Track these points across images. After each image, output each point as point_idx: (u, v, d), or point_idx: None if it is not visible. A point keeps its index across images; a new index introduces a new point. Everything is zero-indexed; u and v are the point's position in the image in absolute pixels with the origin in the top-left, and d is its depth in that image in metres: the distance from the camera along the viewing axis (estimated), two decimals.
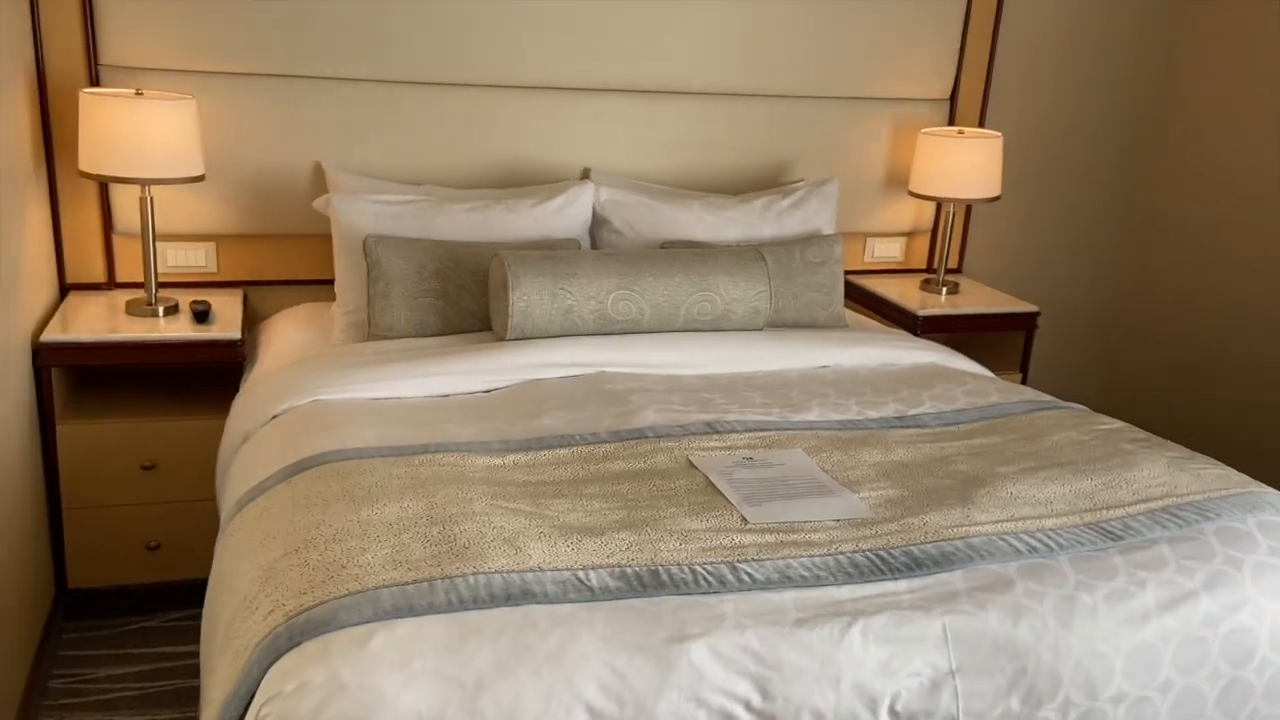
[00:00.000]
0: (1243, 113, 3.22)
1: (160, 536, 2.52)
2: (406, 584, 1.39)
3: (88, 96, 2.39)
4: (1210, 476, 1.89)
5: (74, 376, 2.63)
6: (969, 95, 3.25)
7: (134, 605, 2.57)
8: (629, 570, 1.49)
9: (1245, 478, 1.90)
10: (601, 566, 1.49)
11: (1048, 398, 2.35)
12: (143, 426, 2.47)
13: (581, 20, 2.83)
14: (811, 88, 3.08)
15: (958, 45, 3.17)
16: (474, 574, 1.42)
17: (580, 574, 1.47)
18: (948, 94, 3.22)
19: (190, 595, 2.49)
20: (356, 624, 1.31)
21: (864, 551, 1.61)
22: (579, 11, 2.82)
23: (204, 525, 2.37)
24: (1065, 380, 3.47)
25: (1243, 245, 3.22)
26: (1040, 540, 1.67)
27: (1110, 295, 3.63)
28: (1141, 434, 2.12)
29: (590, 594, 1.43)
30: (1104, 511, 1.77)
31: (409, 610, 1.34)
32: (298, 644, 1.30)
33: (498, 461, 1.84)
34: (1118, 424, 2.17)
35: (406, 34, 2.71)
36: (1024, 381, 3.10)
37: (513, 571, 1.45)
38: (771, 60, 3.01)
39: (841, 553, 1.61)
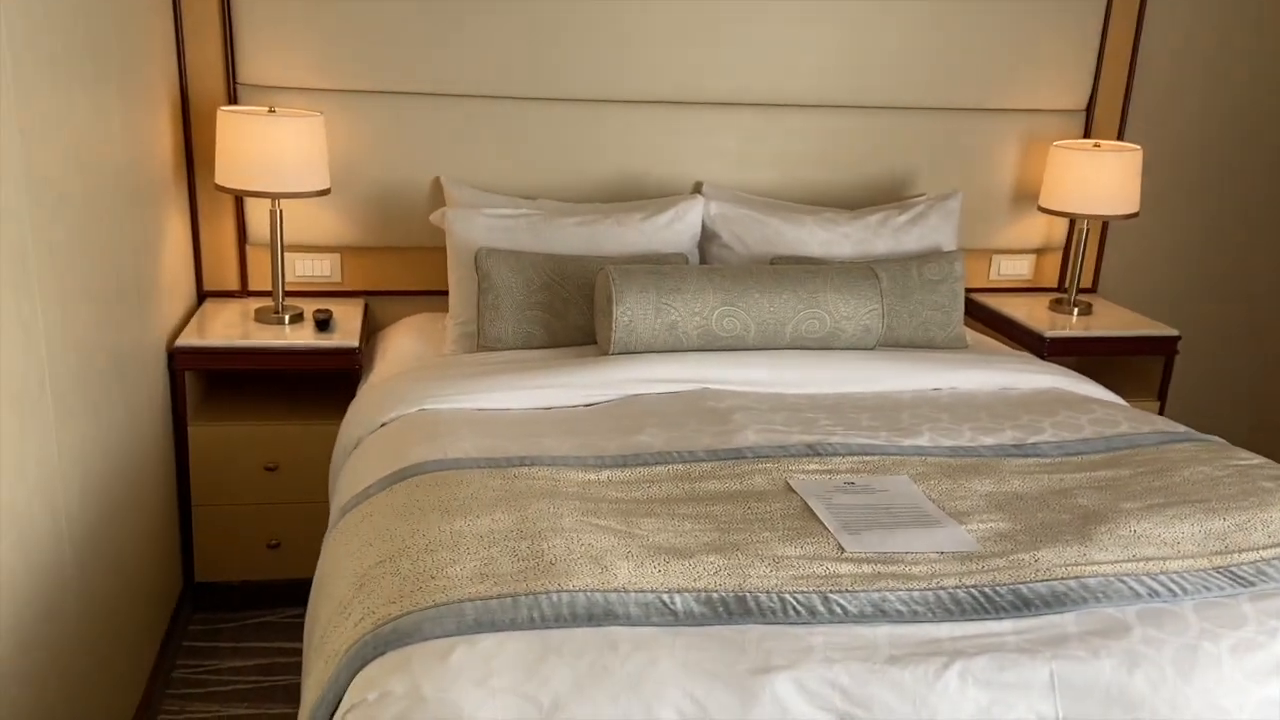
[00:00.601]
0: None
1: (281, 535, 2.63)
2: (490, 598, 1.40)
3: (225, 114, 2.52)
4: None
5: (206, 380, 2.77)
6: (1107, 105, 3.08)
7: (256, 600, 2.68)
8: (715, 595, 1.46)
9: None
10: (687, 590, 1.47)
11: (1183, 429, 2.20)
12: (267, 429, 2.58)
13: (693, 34, 2.82)
14: (934, 99, 2.98)
15: (1095, 52, 3.01)
16: (558, 591, 1.42)
17: (665, 597, 1.44)
18: (1084, 104, 3.06)
19: (307, 593, 2.57)
20: (439, 636, 1.33)
21: (967, 588, 1.54)
22: (690, 25, 2.81)
23: (321, 526, 2.43)
24: (1206, 411, 3.24)
25: None
26: (1163, 583, 1.55)
27: (1259, 320, 3.38)
28: None
29: (674, 618, 1.40)
30: (1235, 555, 1.63)
31: (491, 625, 1.35)
32: (382, 653, 1.32)
33: (592, 477, 1.84)
34: (1258, 459, 2.01)
35: (522, 50, 2.76)
36: (1161, 411, 2.91)
37: (597, 591, 1.44)
38: (889, 71, 2.93)
39: (943, 588, 1.54)
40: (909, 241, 2.81)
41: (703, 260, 2.80)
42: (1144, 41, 3.05)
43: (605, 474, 1.87)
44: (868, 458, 2.00)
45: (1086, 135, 3.08)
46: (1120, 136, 3.10)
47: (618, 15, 2.78)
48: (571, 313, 2.51)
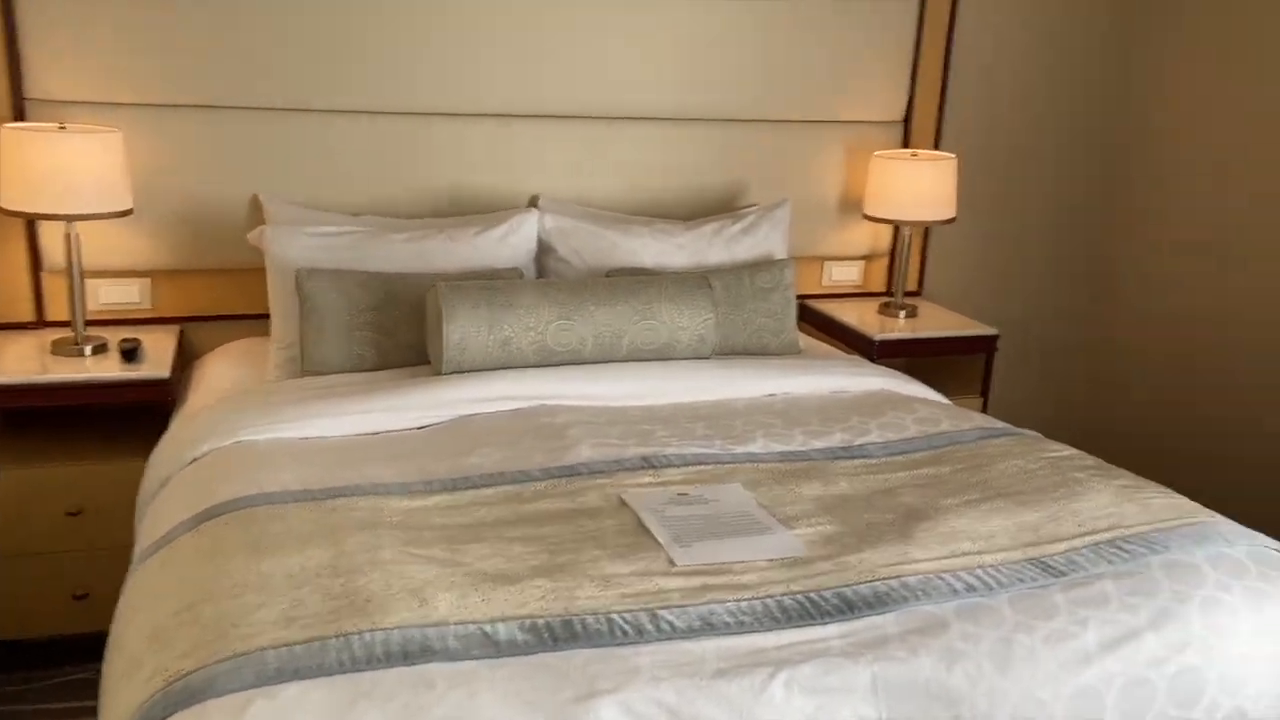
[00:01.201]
0: (1205, 132, 3.18)
1: (88, 585, 2.43)
2: (296, 644, 1.31)
3: (9, 132, 2.32)
4: (1159, 506, 1.82)
5: (1, 420, 2.54)
6: (923, 117, 3.21)
7: (64, 656, 2.47)
8: (540, 622, 1.41)
9: (1196, 506, 1.84)
10: (511, 618, 1.41)
11: (1000, 424, 2.29)
12: (69, 471, 2.39)
13: (526, 46, 2.79)
14: (763, 111, 3.04)
15: (909, 67, 3.14)
16: (371, 630, 1.34)
17: (487, 627, 1.39)
18: (901, 116, 3.18)
19: None
20: (236, 690, 1.23)
21: (794, 594, 1.54)
22: (523, 37, 2.78)
23: None
24: (1025, 406, 3.40)
25: (1207, 269, 3.17)
26: (979, 578, 1.60)
27: (1071, 317, 3.58)
28: (1092, 461, 2.05)
29: (496, 649, 1.35)
30: (1047, 546, 1.70)
31: (295, 674, 1.26)
32: (172, 713, 1.22)
33: (417, 504, 1.77)
34: (1069, 451, 2.10)
35: (341, 62, 2.66)
36: (984, 408, 3.04)
37: (414, 627, 1.37)
38: (721, 84, 2.98)
39: (771, 596, 1.54)
40: (742, 251, 2.85)
41: (540, 274, 2.76)
42: (954, 57, 3.19)
43: (433, 500, 1.80)
44: (702, 467, 1.99)
45: (905, 145, 3.19)
46: (936, 146, 3.23)
47: (441, 27, 2.71)
48: (403, 333, 2.43)
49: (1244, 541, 1.71)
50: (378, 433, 2.12)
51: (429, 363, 2.40)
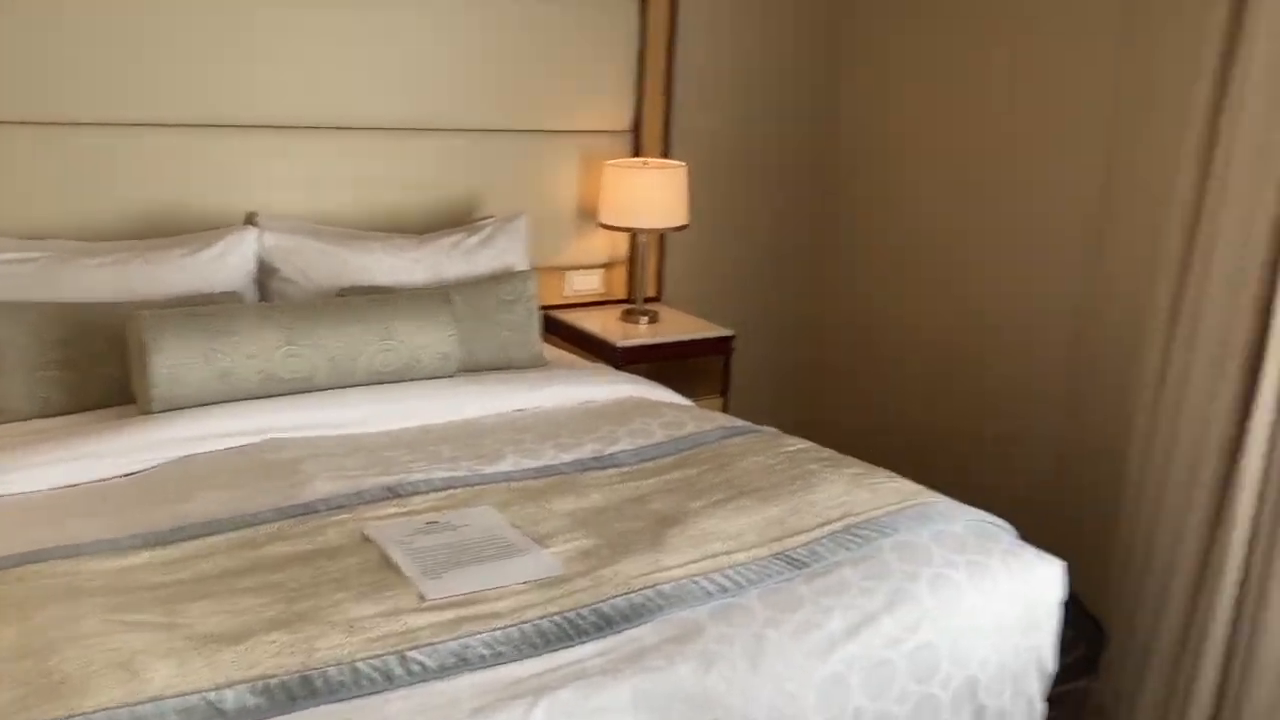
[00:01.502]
0: (899, 133, 3.44)
1: None
2: None
3: None
4: (887, 490, 1.93)
5: None
6: (651, 125, 3.28)
7: None
8: (275, 682, 1.29)
9: (918, 488, 1.96)
10: (241, 682, 1.28)
11: (741, 423, 2.36)
12: None
13: (238, 51, 2.58)
14: (497, 121, 2.99)
15: (634, 79, 3.20)
16: (68, 718, 1.17)
17: (212, 695, 1.25)
18: (630, 125, 3.23)
19: None
20: None
21: (551, 617, 1.50)
22: (235, 43, 2.57)
23: None
24: (766, 403, 3.55)
25: (915, 263, 3.44)
26: (730, 578, 1.63)
27: (798, 316, 3.77)
28: (827, 453, 2.15)
29: (222, 719, 1.21)
30: (790, 539, 1.76)
31: None
32: None
33: (126, 562, 1.57)
34: (804, 444, 2.20)
35: (28, 69, 2.34)
36: (725, 408, 3.14)
37: (123, 706, 1.20)
38: (451, 94, 2.90)
39: (527, 621, 1.49)
40: (481, 264, 2.79)
41: (263, 297, 2.56)
42: (678, 68, 3.28)
43: (145, 556, 1.60)
44: (451, 492, 1.92)
45: (637, 154, 3.25)
46: (666, 154, 3.31)
47: (126, 29, 2.45)
48: (103, 369, 2.17)
49: (962, 517, 1.85)
50: (77, 484, 1.87)
51: (135, 401, 2.16)
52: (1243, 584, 2.07)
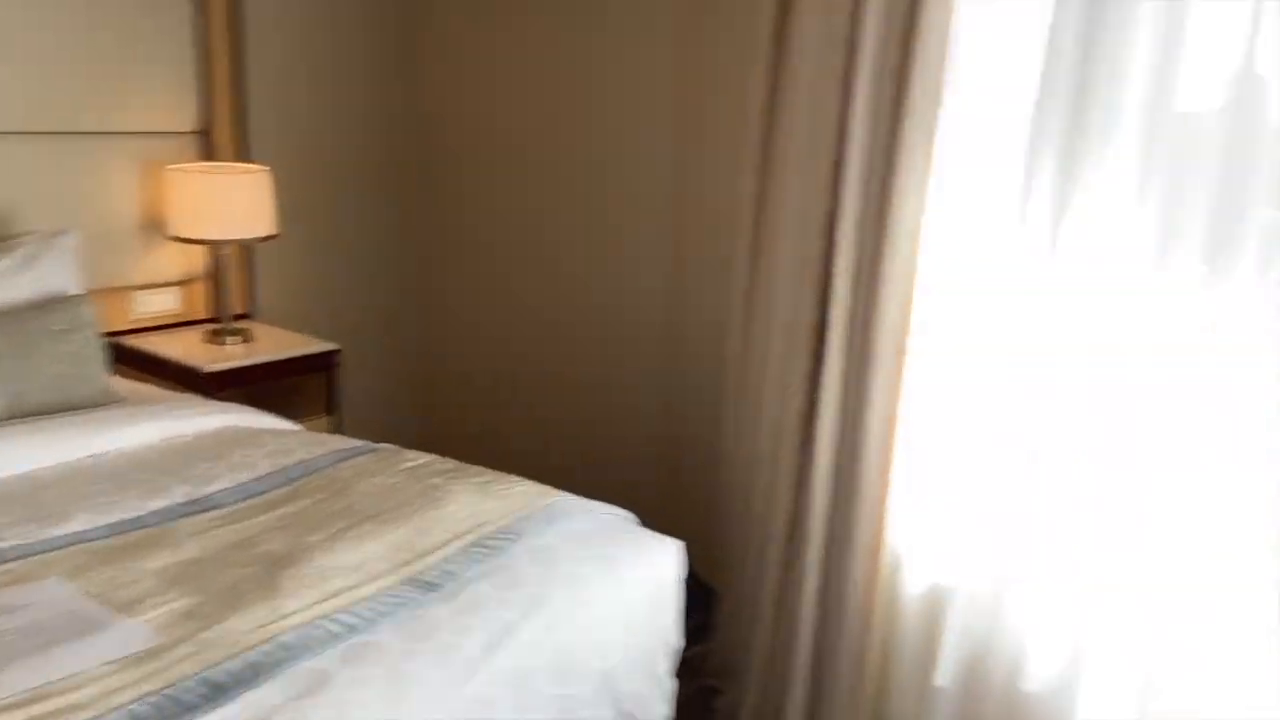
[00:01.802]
0: (489, 133, 3.42)
1: None
2: None
3: None
4: (515, 496, 1.91)
5: None
6: (223, 127, 2.99)
7: None
8: None
9: (545, 489, 1.96)
10: None
11: (357, 443, 2.22)
12: None
13: None
14: (28, 122, 2.57)
15: (194, 76, 2.89)
16: None
17: None
18: (197, 126, 2.92)
19: None
20: None
21: (147, 698, 1.29)
22: None
23: None
24: (381, 419, 3.40)
25: (519, 263, 3.44)
26: (359, 615, 1.51)
27: (407, 324, 3.65)
28: (451, 464, 2.08)
29: None
30: (421, 561, 1.67)
31: None
32: None
33: None
34: (425, 457, 2.11)
35: None
36: (339, 427, 2.95)
37: None
38: None
39: (119, 707, 1.27)
40: (22, 289, 2.36)
41: None
42: (251, 67, 3.01)
43: None
44: (7, 566, 1.60)
45: (210, 158, 2.94)
46: (245, 158, 3.03)
47: None
48: None
49: (586, 514, 1.88)
50: None
51: None
52: (828, 538, 2.31)
